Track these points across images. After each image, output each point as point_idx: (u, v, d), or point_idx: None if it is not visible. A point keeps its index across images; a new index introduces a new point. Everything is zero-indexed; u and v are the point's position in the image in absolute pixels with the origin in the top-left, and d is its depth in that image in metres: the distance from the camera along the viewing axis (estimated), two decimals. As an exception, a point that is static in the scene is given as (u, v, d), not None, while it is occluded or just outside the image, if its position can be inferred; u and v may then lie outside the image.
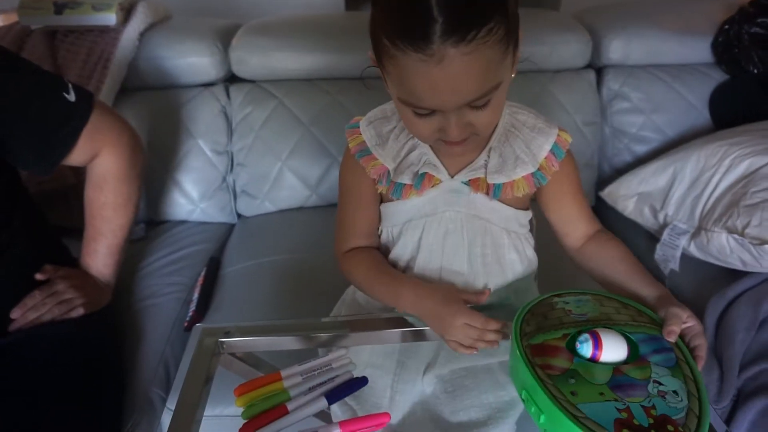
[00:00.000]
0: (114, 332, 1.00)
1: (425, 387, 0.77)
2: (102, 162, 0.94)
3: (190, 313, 1.03)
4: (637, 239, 1.25)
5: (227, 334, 0.73)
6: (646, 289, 0.65)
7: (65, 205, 1.23)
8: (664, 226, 1.14)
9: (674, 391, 0.50)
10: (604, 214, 1.37)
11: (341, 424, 0.60)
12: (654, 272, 1.14)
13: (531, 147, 0.70)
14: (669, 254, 1.10)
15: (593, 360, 0.54)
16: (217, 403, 0.86)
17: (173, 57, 1.30)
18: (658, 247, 1.13)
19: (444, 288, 0.70)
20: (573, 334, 0.57)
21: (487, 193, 0.70)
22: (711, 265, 1.06)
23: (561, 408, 0.49)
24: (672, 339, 0.56)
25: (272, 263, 1.15)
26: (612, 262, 0.70)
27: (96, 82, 1.25)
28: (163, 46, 1.30)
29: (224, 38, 1.34)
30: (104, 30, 1.27)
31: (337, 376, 0.66)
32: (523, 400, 0.53)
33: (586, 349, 0.54)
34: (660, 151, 1.32)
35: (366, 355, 0.80)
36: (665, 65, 1.37)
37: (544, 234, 0.80)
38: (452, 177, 0.71)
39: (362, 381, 0.66)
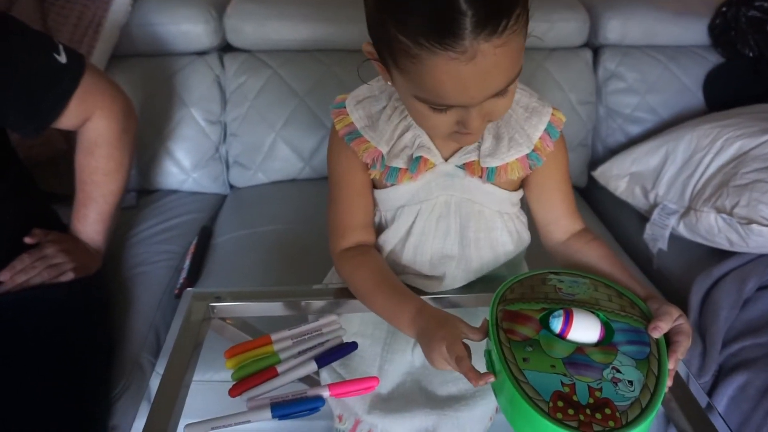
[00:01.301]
0: (104, 298, 1.00)
1: (415, 359, 0.77)
2: (93, 126, 0.92)
3: (181, 280, 1.04)
4: (628, 219, 1.26)
5: (218, 299, 0.73)
6: (635, 288, 0.63)
7: (55, 170, 1.21)
8: (655, 205, 1.16)
9: (630, 381, 0.50)
10: (595, 194, 1.39)
11: (330, 386, 0.61)
12: (643, 252, 1.16)
13: (525, 127, 0.68)
14: (658, 234, 1.11)
15: (561, 336, 0.54)
16: (208, 368, 0.87)
17: (167, 24, 1.28)
18: (648, 226, 1.14)
19: (449, 315, 0.62)
20: (552, 309, 0.57)
21: (481, 177, 0.68)
22: (698, 245, 1.07)
23: (506, 369, 0.50)
24: (656, 335, 0.55)
25: (264, 233, 1.15)
26: (598, 261, 0.68)
27: (87, 47, 1.23)
28: (157, 12, 1.28)
29: (219, 6, 1.32)
30: (95, -6, 1.24)
31: (327, 340, 0.67)
32: (486, 361, 0.55)
33: (556, 323, 0.55)
34: (654, 132, 1.32)
35: (356, 324, 0.80)
36: (661, 46, 1.37)
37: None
38: (446, 160, 0.69)
39: (352, 346, 0.66)
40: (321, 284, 0.81)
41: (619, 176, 1.25)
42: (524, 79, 1.34)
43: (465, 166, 0.68)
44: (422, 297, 0.70)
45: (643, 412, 0.48)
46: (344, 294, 0.74)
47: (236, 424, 0.56)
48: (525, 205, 0.79)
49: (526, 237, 0.78)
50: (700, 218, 1.02)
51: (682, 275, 1.06)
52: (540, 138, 0.67)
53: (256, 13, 1.30)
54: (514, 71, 0.53)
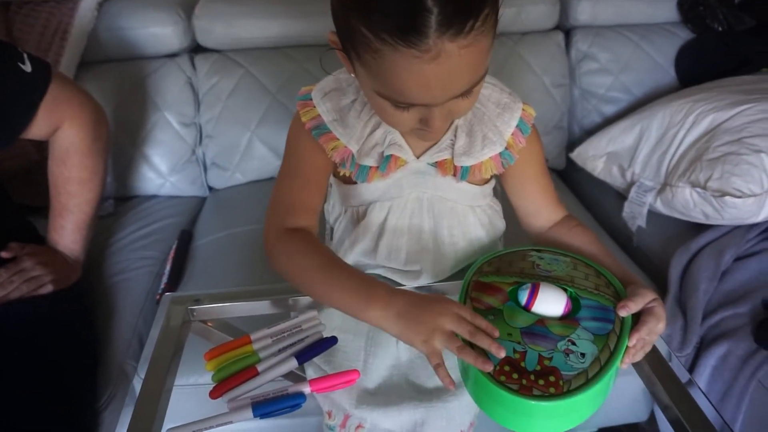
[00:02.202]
0: (86, 308, 0.99)
1: (400, 352, 0.77)
2: (64, 135, 0.91)
3: (162, 285, 1.03)
4: (607, 199, 1.27)
5: (197, 302, 0.73)
6: (617, 271, 0.63)
7: (30, 181, 1.20)
8: (632, 184, 1.16)
9: (582, 354, 0.52)
10: (574, 176, 1.39)
11: (311, 381, 0.61)
12: (623, 230, 1.17)
13: (498, 124, 0.67)
14: (636, 211, 1.12)
15: (526, 308, 0.56)
16: (192, 372, 0.87)
17: (134, 27, 1.26)
18: (626, 204, 1.15)
19: (431, 294, 0.62)
20: (523, 283, 0.59)
21: (454, 175, 0.68)
22: (676, 220, 1.08)
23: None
24: (622, 313, 0.56)
25: (244, 234, 1.15)
26: (582, 245, 0.68)
27: (54, 55, 1.21)
28: (124, 16, 1.26)
29: (187, 7, 1.30)
30: (58, 1, 1.22)
31: (307, 336, 0.66)
32: None
33: (522, 296, 0.57)
34: (628, 110, 1.33)
35: (337, 319, 0.79)
36: (632, 25, 1.38)
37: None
38: (418, 158, 0.68)
39: (332, 340, 0.66)
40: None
41: (596, 156, 1.26)
42: (496, 65, 1.35)
43: (437, 165, 0.68)
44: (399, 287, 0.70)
45: (588, 382, 0.50)
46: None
47: (218, 425, 0.56)
48: (499, 194, 0.80)
49: (501, 225, 0.78)
50: (675, 194, 1.03)
51: (661, 251, 1.08)
52: (512, 134, 0.68)
53: (224, 12, 1.29)
54: (479, 73, 0.53)
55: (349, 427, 0.76)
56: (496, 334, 0.53)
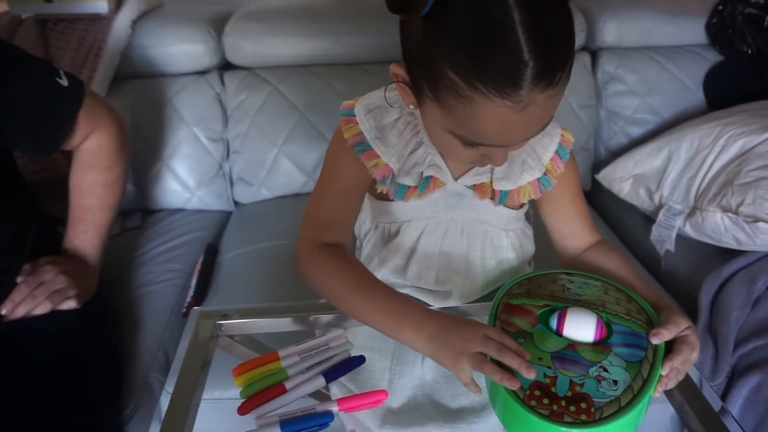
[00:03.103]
0: (111, 319, 1.00)
1: (425, 372, 0.76)
2: (95, 141, 0.93)
3: (188, 299, 1.04)
4: (633, 221, 1.26)
5: (224, 317, 0.73)
6: (650, 297, 0.62)
7: (61, 194, 1.22)
8: (660, 207, 1.15)
9: (614, 381, 0.51)
10: (600, 198, 1.38)
11: (339, 401, 0.60)
12: (650, 254, 1.15)
13: (537, 149, 0.68)
14: (664, 235, 1.11)
15: (558, 333, 0.55)
16: (217, 386, 0.87)
17: (166, 45, 1.29)
18: (654, 227, 1.14)
19: (463, 318, 0.58)
20: (555, 307, 0.58)
21: (493, 199, 0.68)
22: (706, 244, 1.07)
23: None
24: (655, 341, 0.55)
25: (269, 249, 1.15)
26: (616, 269, 0.67)
27: (88, 71, 1.24)
28: (156, 33, 1.29)
29: (217, 25, 1.33)
30: (96, 18, 1.26)
31: (334, 355, 0.66)
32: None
33: (553, 320, 0.56)
34: (655, 132, 1.32)
35: (363, 338, 0.80)
36: (659, 47, 1.37)
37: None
38: (456, 180, 0.68)
39: (359, 360, 0.66)
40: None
41: (622, 178, 1.25)
42: None
43: (475, 188, 0.68)
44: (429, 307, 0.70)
45: (620, 411, 0.49)
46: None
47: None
48: (531, 218, 0.79)
49: (530, 248, 0.78)
50: (706, 218, 1.02)
51: (691, 276, 1.06)
52: (551, 160, 0.68)
53: (254, 30, 1.32)
54: (552, 117, 0.54)
55: (373, 447, 0.75)
56: (527, 357, 0.52)
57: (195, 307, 0.76)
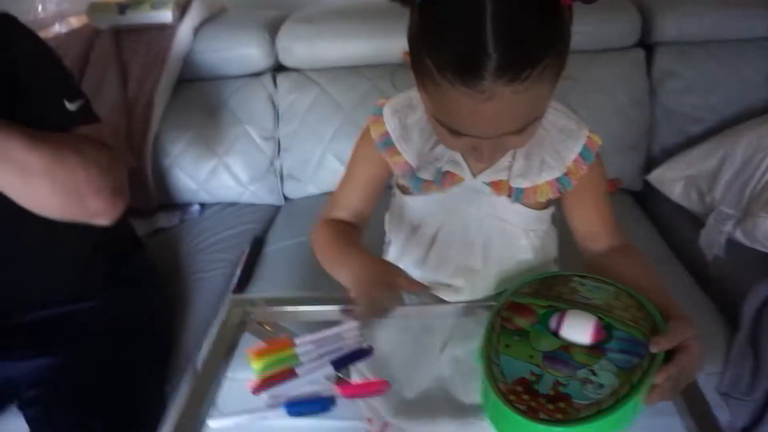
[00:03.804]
0: (164, 303, 1.09)
1: (443, 367, 0.78)
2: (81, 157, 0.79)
3: (232, 287, 1.12)
4: (684, 224, 1.20)
5: (253, 304, 0.79)
6: (666, 306, 0.60)
7: (129, 187, 1.34)
8: (711, 210, 1.09)
9: (600, 385, 0.50)
10: (651, 199, 1.33)
11: (342, 387, 0.64)
12: (699, 258, 1.10)
13: (559, 150, 0.68)
14: (713, 240, 1.05)
15: (555, 333, 0.56)
16: (246, 368, 0.93)
17: (225, 49, 1.38)
18: (703, 232, 1.08)
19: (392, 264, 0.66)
20: (558, 307, 0.58)
21: (509, 196, 0.69)
22: (758, 252, 1.00)
23: (484, 350, 0.54)
24: (653, 349, 0.53)
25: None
26: (633, 276, 0.65)
27: (155, 76, 1.35)
28: (216, 39, 1.38)
29: (272, 29, 1.40)
30: (162, 27, 1.37)
31: (346, 345, 0.70)
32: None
33: (552, 321, 0.57)
34: (715, 132, 1.25)
35: (384, 330, 0.83)
36: (722, 41, 1.29)
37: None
38: (475, 176, 0.70)
39: (367, 351, 0.69)
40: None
41: (674, 180, 1.20)
42: (568, 84, 1.32)
43: (492, 184, 0.69)
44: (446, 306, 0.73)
45: (598, 414, 0.48)
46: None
47: (255, 420, 0.61)
48: (557, 221, 0.79)
49: (553, 252, 0.78)
50: (756, 224, 0.96)
51: (739, 284, 0.99)
52: (574, 161, 0.68)
53: (305, 33, 1.38)
54: (533, 114, 0.54)
55: (387, 435, 0.79)
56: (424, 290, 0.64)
57: (229, 294, 0.83)
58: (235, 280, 1.13)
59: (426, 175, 0.69)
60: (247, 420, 0.61)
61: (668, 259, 1.12)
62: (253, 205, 1.44)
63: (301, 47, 1.38)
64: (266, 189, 1.42)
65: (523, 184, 0.67)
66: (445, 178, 0.69)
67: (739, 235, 1.01)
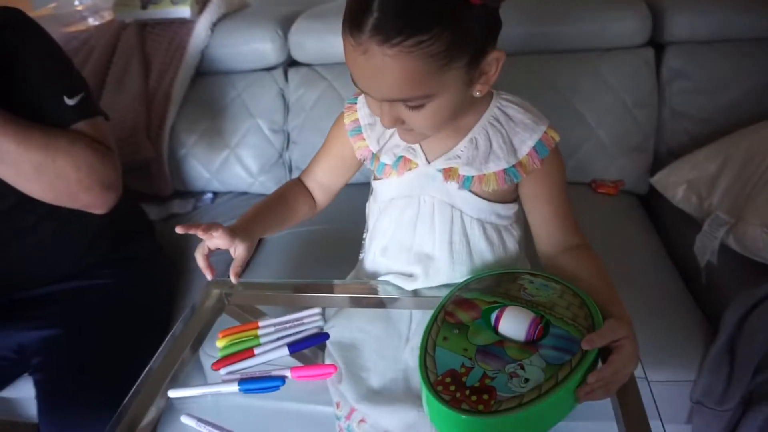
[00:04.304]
0: (167, 284, 1.16)
1: (408, 358, 0.80)
2: (76, 148, 0.86)
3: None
4: (686, 229, 1.17)
5: (231, 288, 0.84)
6: (606, 305, 0.62)
7: (146, 174, 1.43)
8: (709, 215, 1.07)
9: (526, 379, 0.52)
10: (657, 203, 1.30)
11: (292, 369, 0.68)
12: (693, 263, 1.08)
13: (513, 142, 0.70)
14: (707, 245, 1.03)
15: (494, 329, 0.58)
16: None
17: (239, 44, 1.43)
18: (698, 237, 1.06)
19: (244, 231, 0.79)
20: (502, 304, 0.61)
21: (458, 183, 0.72)
22: (750, 259, 0.97)
23: (423, 343, 0.57)
24: (585, 346, 0.55)
25: (308, 232, 1.25)
26: (579, 274, 0.68)
27: (174, 69, 1.43)
28: (231, 34, 1.44)
29: (285, 25, 1.44)
30: (182, 22, 1.44)
31: (305, 329, 0.74)
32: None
33: (492, 317, 0.59)
34: (724, 135, 1.20)
35: (356, 319, 0.87)
36: (736, 40, 1.24)
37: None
38: (429, 163, 0.73)
39: (323, 336, 0.73)
40: (314, 279, 0.87)
41: (676, 183, 1.17)
42: (571, 82, 1.33)
43: (443, 171, 0.72)
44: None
45: (518, 407, 0.50)
46: (330, 289, 0.81)
47: (209, 393, 0.66)
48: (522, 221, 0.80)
49: (512, 249, 0.79)
50: (746, 231, 0.94)
51: (728, 292, 0.97)
52: (527, 154, 0.70)
53: (316, 29, 1.41)
54: (411, 89, 0.58)
55: (353, 420, 0.82)
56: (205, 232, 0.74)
57: (209, 278, 0.88)
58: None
59: (386, 159, 0.74)
60: (202, 393, 0.66)
61: (663, 263, 1.11)
62: (262, 194, 1.48)
63: (312, 42, 1.42)
64: (275, 180, 1.48)
65: (470, 172, 0.70)
66: (401, 163, 0.73)
67: (731, 242, 0.99)
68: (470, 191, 0.73)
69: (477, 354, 0.56)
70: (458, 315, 0.61)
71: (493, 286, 0.66)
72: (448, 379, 0.53)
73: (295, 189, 0.87)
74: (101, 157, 0.88)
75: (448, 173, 0.72)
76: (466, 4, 0.55)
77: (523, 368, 0.54)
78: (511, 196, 0.77)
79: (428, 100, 0.60)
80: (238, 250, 0.77)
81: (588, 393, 0.55)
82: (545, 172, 0.71)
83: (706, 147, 1.13)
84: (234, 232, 0.76)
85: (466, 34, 0.56)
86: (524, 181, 0.72)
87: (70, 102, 0.88)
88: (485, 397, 0.52)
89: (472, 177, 0.71)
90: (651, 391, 0.59)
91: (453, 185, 0.72)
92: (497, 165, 0.70)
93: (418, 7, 0.54)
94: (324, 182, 0.87)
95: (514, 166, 0.70)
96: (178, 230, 0.73)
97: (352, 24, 0.56)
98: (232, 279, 0.76)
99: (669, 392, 0.88)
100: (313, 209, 0.89)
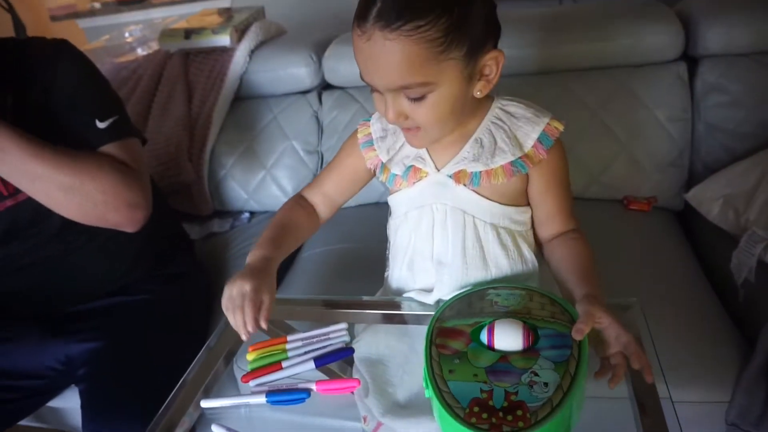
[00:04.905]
0: (204, 300, 1.21)
1: None
2: (106, 168, 0.91)
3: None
4: (722, 245, 1.14)
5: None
6: (578, 288, 0.66)
7: (187, 195, 1.50)
8: (745, 231, 1.04)
9: (545, 383, 0.53)
10: (692, 219, 1.27)
11: (317, 382, 0.71)
12: (729, 280, 1.05)
13: (517, 135, 0.73)
14: (744, 263, 1.00)
15: (490, 347, 0.58)
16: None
17: (276, 69, 1.50)
18: (734, 254, 1.03)
19: (267, 275, 0.76)
20: (484, 323, 0.61)
21: (469, 183, 0.74)
22: (791, 277, 0.94)
23: (432, 382, 0.56)
24: (577, 337, 0.57)
25: (341, 250, 1.29)
26: (560, 261, 0.73)
27: (215, 94, 1.50)
28: (268, 60, 1.51)
29: (319, 50, 1.50)
30: (223, 50, 1.51)
31: (331, 344, 0.77)
32: (423, 377, 0.60)
33: (483, 336, 0.59)
34: (762, 149, 1.17)
35: (383, 335, 0.88)
36: (770, 53, 1.21)
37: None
38: (439, 170, 0.75)
39: (348, 351, 0.75)
40: (342, 296, 0.90)
41: (712, 199, 1.14)
42: (603, 98, 1.34)
43: (453, 176, 0.74)
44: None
45: (553, 411, 0.51)
46: (359, 306, 0.83)
47: (240, 405, 0.70)
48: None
49: (529, 256, 0.80)
50: (785, 248, 0.91)
51: (766, 311, 0.94)
52: (533, 146, 0.72)
53: (349, 53, 1.44)
54: (411, 75, 0.61)
55: (380, 433, 0.84)
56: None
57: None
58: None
59: (396, 170, 0.77)
60: (232, 404, 0.69)
61: (698, 280, 1.08)
62: (296, 214, 1.54)
63: (345, 67, 1.46)
64: (309, 199, 1.52)
65: (477, 167, 0.72)
66: (411, 173, 0.76)
67: (769, 259, 0.96)
68: (482, 195, 0.75)
69: (488, 375, 0.56)
70: (450, 345, 0.61)
71: (466, 309, 0.67)
72: (476, 409, 0.53)
73: (300, 213, 0.87)
74: (126, 179, 0.92)
75: (458, 176, 0.74)
76: None
77: (536, 374, 0.55)
78: (523, 199, 0.78)
79: (428, 90, 0.63)
80: (266, 300, 0.74)
81: (606, 374, 0.60)
82: (551, 164, 0.74)
83: (743, 161, 1.10)
84: (260, 282, 0.75)
85: (464, 24, 0.61)
86: (532, 179, 0.75)
87: (101, 125, 0.93)
88: (519, 413, 0.52)
89: (480, 173, 0.73)
90: (675, 412, 0.59)
91: (464, 190, 0.74)
92: (503, 158, 0.72)
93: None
94: (331, 194, 0.88)
95: (520, 158, 0.72)
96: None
97: (359, 15, 0.61)
98: (263, 324, 0.72)
99: (703, 413, 0.86)
100: (317, 225, 0.91)
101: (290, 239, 0.84)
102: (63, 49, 0.95)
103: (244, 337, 0.71)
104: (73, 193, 0.87)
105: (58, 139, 0.88)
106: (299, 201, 0.89)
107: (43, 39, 0.97)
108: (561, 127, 0.72)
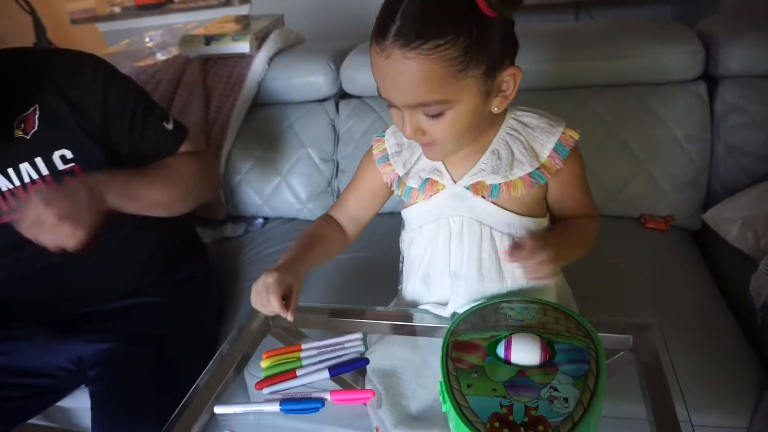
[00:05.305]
0: (216, 304, 1.21)
1: None
2: (185, 159, 1.05)
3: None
4: (740, 268, 1.13)
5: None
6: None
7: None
8: (766, 254, 1.02)
9: (565, 399, 0.53)
10: (709, 239, 1.26)
11: (332, 392, 0.70)
12: (748, 303, 1.03)
13: (533, 146, 0.73)
14: (763, 285, 0.99)
15: (506, 361, 0.58)
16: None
17: (294, 77, 1.51)
18: (753, 277, 1.01)
19: (294, 274, 0.77)
20: (500, 336, 0.61)
21: (488, 195, 0.74)
22: (812, 302, 0.93)
23: (450, 397, 0.55)
24: (504, 258, 0.68)
25: (352, 259, 1.28)
26: (559, 225, 0.78)
27: (233, 100, 1.51)
28: (287, 68, 1.52)
29: (337, 59, 1.51)
30: (242, 56, 1.53)
31: (346, 354, 0.76)
32: (439, 391, 0.59)
33: (500, 349, 0.59)
34: (783, 171, 1.17)
35: (396, 347, 0.88)
36: (793, 75, 1.21)
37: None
38: (455, 183, 0.76)
39: (363, 361, 0.75)
40: (355, 305, 0.89)
41: (730, 220, 1.13)
42: (621, 116, 1.33)
43: (471, 187, 0.75)
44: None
45: (575, 426, 0.51)
46: (370, 316, 0.83)
47: (253, 412, 0.69)
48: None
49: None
50: (805, 271, 0.89)
51: (787, 336, 0.93)
52: (549, 156, 0.73)
53: (367, 63, 1.43)
54: (429, 93, 0.61)
55: (392, 445, 0.83)
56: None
57: (290, 319, 0.91)
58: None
59: (412, 183, 0.78)
60: (245, 411, 0.69)
61: (715, 303, 1.07)
62: (310, 221, 1.53)
63: (363, 76, 1.47)
64: (322, 207, 1.52)
65: (497, 180, 0.73)
66: (427, 186, 0.76)
67: (789, 283, 0.95)
68: (499, 206, 0.75)
69: (507, 390, 0.55)
70: (466, 359, 0.60)
71: (480, 323, 0.66)
72: (497, 424, 0.52)
73: (326, 227, 0.89)
74: (212, 164, 1.06)
75: (477, 188, 0.74)
76: (482, 15, 0.59)
77: (556, 389, 0.54)
78: (540, 209, 0.79)
79: (446, 107, 0.63)
80: (293, 289, 0.77)
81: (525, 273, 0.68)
82: (569, 172, 0.75)
83: (763, 183, 1.09)
84: (283, 275, 0.76)
85: (482, 42, 0.61)
86: (551, 187, 0.76)
87: (168, 126, 1.02)
88: (540, 428, 0.51)
89: (500, 185, 0.73)
90: (694, 435, 0.58)
91: (481, 201, 0.75)
92: (522, 170, 0.73)
93: (437, 15, 0.59)
94: (354, 213, 0.90)
95: (538, 168, 0.73)
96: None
97: (378, 32, 0.61)
98: (289, 317, 0.74)
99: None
100: (346, 243, 0.91)
101: (319, 249, 0.84)
102: (104, 70, 0.98)
103: (290, 318, 0.73)
104: (191, 197, 1.04)
105: (134, 160, 0.98)
106: (327, 219, 0.90)
107: (70, 54, 0.99)
108: (576, 136, 0.73)
